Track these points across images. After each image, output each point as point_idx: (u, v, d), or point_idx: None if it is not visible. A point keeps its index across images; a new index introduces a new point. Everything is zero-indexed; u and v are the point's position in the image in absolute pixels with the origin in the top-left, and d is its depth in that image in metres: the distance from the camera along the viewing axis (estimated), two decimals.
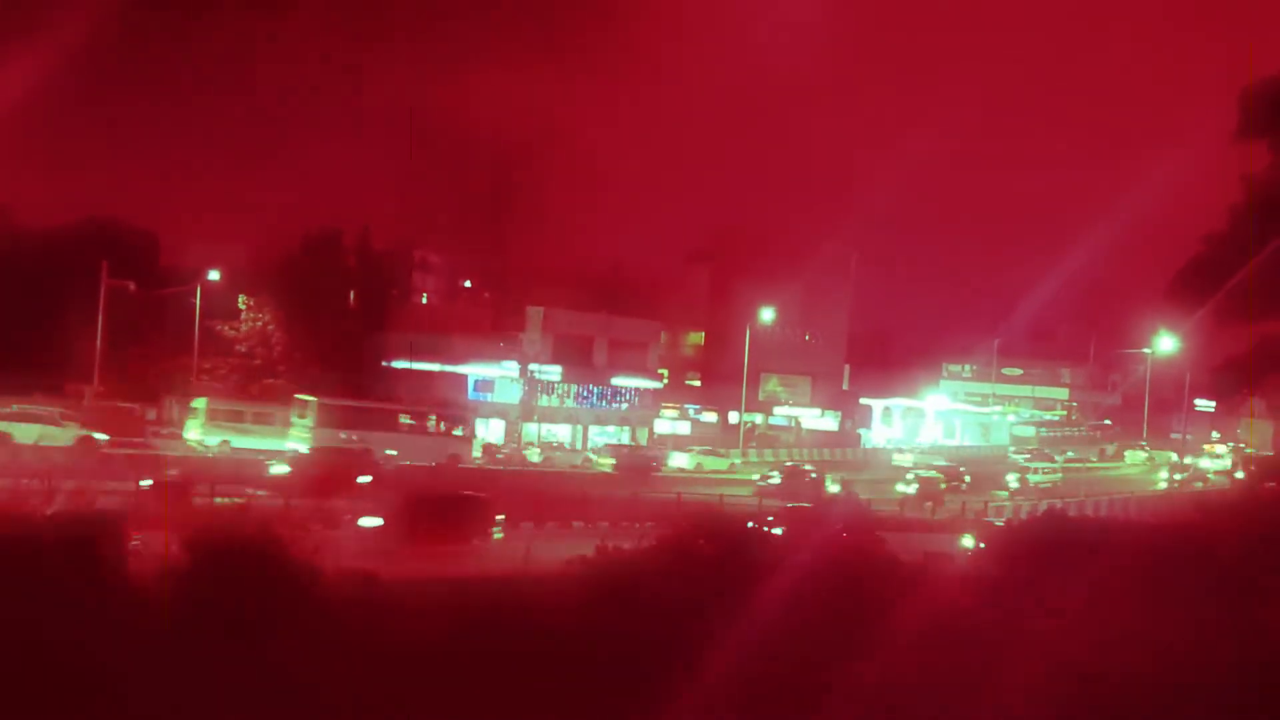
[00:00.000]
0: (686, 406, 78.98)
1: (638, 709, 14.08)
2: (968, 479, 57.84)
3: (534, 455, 61.61)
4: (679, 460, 62.75)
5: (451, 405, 59.53)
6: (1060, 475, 61.52)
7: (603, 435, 69.18)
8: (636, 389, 72.30)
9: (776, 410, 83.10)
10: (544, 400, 67.56)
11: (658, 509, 36.19)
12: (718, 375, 77.23)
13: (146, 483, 32.15)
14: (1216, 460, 71.61)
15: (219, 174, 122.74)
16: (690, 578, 18.18)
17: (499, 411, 65.84)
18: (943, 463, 62.19)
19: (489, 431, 64.10)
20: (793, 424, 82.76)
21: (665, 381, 76.54)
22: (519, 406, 65.28)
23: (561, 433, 68.20)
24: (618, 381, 71.12)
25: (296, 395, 54.48)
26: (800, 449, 73.55)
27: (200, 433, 51.35)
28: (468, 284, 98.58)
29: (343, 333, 64.89)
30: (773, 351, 78.33)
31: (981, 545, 27.97)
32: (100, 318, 54.95)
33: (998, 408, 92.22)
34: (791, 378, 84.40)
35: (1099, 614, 16.02)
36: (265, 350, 63.88)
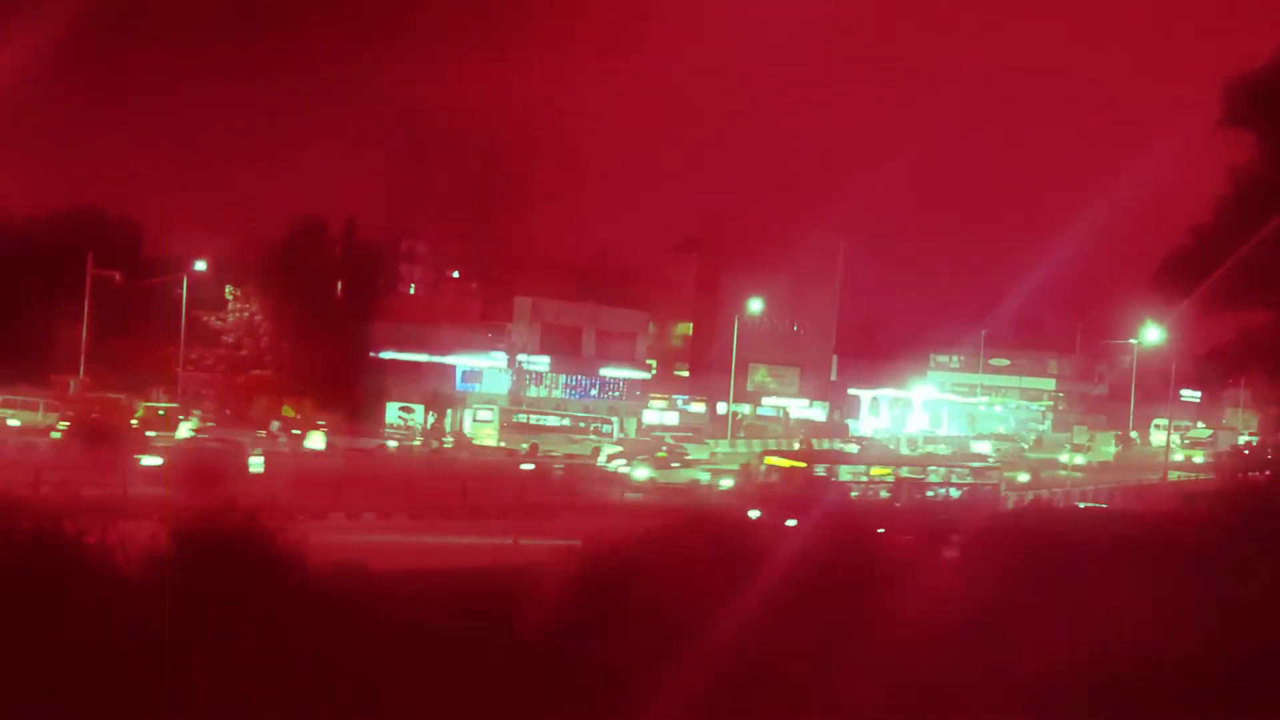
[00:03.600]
0: (674, 397, 78.97)
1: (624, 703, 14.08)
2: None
3: None
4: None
5: None
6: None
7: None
8: (625, 379, 72.27)
9: (765, 401, 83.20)
10: (532, 391, 67.47)
11: None
12: (706, 366, 77.22)
13: None
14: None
15: (203, 164, 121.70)
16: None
17: (487, 402, 65.78)
18: None
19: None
20: (781, 414, 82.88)
21: (653, 372, 76.48)
22: (507, 397, 65.22)
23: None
24: (606, 372, 71.06)
25: None
26: (789, 439, 73.65)
27: None
28: (455, 274, 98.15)
29: (329, 324, 64.66)
30: (761, 342, 78.37)
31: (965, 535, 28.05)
32: (85, 308, 54.69)
33: (984, 398, 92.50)
34: (780, 368, 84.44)
35: (1083, 601, 16.13)
36: (252, 341, 63.72)
